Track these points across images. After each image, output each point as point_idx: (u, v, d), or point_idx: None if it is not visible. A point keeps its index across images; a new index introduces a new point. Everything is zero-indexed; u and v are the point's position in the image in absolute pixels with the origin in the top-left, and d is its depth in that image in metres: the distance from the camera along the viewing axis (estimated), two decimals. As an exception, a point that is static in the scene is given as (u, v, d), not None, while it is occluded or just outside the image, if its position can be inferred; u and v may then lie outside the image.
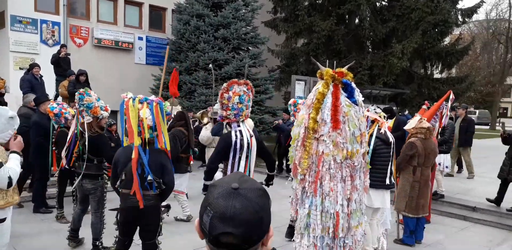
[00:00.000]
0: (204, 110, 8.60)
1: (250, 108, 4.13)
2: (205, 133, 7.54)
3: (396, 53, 14.01)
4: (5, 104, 7.73)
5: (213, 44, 12.10)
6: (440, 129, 6.58)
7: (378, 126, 4.36)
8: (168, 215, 5.18)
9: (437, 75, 18.54)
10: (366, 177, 3.34)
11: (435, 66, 16.87)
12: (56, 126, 5.86)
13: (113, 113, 6.38)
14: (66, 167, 5.08)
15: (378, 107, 4.50)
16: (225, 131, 4.85)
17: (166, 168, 3.49)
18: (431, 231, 5.77)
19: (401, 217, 5.33)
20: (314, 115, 2.96)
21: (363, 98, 3.16)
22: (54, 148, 5.80)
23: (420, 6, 14.34)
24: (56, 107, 5.62)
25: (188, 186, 6.34)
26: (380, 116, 4.36)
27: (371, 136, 4.26)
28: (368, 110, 4.30)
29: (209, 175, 4.14)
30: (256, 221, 1.03)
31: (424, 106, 6.47)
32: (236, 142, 3.93)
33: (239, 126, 4.03)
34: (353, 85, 3.01)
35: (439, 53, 15.57)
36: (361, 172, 3.20)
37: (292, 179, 3.35)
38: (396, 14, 15.06)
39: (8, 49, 11.23)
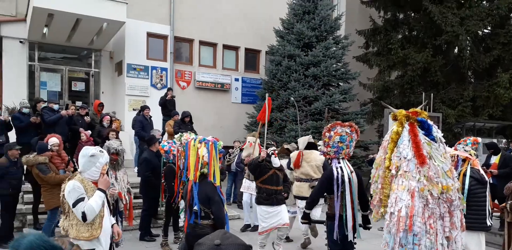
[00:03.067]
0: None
1: (352, 148, 4.33)
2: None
3: (503, 83, 12.98)
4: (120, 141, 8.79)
5: (303, 82, 12.46)
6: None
7: (470, 165, 4.15)
8: None
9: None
10: (461, 215, 3.20)
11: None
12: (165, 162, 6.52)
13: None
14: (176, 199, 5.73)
15: (467, 145, 4.28)
16: None
17: (212, 199, 3.80)
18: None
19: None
20: (389, 156, 2.99)
21: (442, 134, 3.11)
22: (163, 181, 6.46)
23: (530, 31, 13.28)
24: (166, 145, 6.34)
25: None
26: (470, 154, 4.14)
27: (464, 175, 4.06)
28: (456, 149, 4.13)
29: (310, 205, 4.39)
30: None
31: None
32: (337, 177, 4.12)
33: (339, 162, 4.24)
34: (430, 122, 3.00)
35: (555, 81, 13.97)
36: (458, 210, 3.09)
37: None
38: (501, 42, 14.05)
39: (124, 93, 12.87)
